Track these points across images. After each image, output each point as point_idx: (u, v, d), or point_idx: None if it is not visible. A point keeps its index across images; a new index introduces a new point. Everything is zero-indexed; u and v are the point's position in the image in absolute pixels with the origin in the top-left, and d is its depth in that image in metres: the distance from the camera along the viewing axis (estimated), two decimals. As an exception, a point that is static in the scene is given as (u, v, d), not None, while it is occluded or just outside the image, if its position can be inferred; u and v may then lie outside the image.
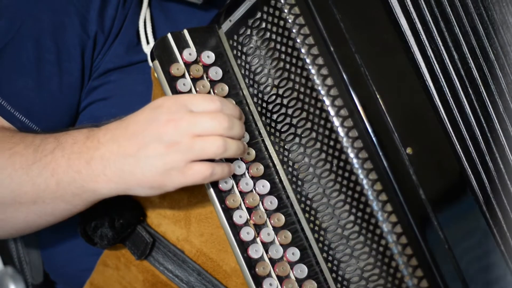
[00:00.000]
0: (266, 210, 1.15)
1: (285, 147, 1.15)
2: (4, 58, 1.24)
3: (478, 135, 1.16)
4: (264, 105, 1.16)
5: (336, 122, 1.10)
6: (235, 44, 1.18)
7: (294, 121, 1.14)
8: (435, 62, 1.15)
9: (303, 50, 1.12)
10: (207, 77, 1.17)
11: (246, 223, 1.14)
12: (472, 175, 1.13)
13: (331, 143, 1.11)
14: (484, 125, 1.17)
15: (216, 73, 1.17)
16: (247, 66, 1.17)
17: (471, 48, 1.18)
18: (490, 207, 1.14)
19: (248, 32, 1.16)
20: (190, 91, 1.15)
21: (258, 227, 1.14)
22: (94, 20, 1.26)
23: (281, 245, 1.14)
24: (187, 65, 1.16)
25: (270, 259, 1.13)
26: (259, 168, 1.16)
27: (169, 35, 1.17)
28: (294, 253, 1.14)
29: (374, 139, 1.09)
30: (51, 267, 1.39)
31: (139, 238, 1.21)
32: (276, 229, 1.15)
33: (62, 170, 1.12)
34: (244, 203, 1.14)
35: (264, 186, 1.15)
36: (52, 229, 1.28)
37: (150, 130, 1.08)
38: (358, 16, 1.13)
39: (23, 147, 1.15)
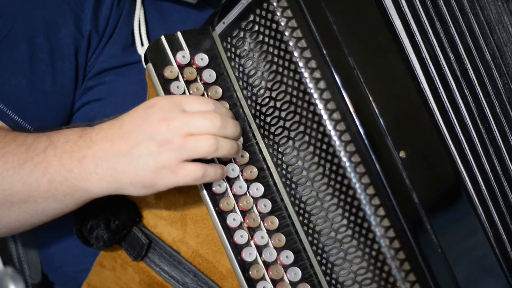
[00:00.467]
0: (260, 213, 1.15)
1: (279, 150, 1.14)
2: None
3: (474, 137, 1.15)
4: (258, 107, 1.15)
5: (329, 125, 1.10)
6: (228, 46, 1.17)
7: (287, 124, 1.13)
8: (430, 64, 1.14)
9: (295, 53, 1.11)
10: (200, 80, 1.17)
11: (240, 226, 1.14)
12: (467, 178, 1.13)
13: (324, 146, 1.10)
14: (481, 126, 1.16)
15: (209, 75, 1.17)
16: (241, 69, 1.16)
17: (467, 48, 1.16)
18: (486, 210, 1.13)
19: (242, 34, 1.15)
20: (183, 94, 1.15)
21: (252, 230, 1.14)
22: (88, 19, 1.26)
23: (275, 248, 1.14)
24: (181, 67, 1.16)
25: (264, 262, 1.13)
26: (253, 171, 1.15)
27: (163, 38, 1.16)
28: (288, 256, 1.14)
29: (366, 142, 1.09)
30: (49, 267, 1.40)
31: (135, 240, 1.21)
32: (270, 232, 1.14)
33: (53, 169, 1.12)
34: (238, 206, 1.14)
35: (258, 189, 1.15)
36: (50, 229, 1.29)
37: (143, 129, 1.08)
38: (351, 18, 1.12)
39: (15, 146, 1.15)
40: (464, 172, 1.13)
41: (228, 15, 1.16)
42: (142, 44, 1.28)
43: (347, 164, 1.09)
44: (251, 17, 1.14)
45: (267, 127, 1.15)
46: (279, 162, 1.15)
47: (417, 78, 1.12)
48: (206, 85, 1.16)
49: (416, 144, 1.10)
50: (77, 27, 1.25)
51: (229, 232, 1.13)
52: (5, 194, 1.15)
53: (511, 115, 1.18)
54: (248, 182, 1.15)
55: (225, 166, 1.13)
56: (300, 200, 1.13)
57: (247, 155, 1.16)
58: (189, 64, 1.17)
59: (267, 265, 1.13)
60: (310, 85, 1.10)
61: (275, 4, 1.11)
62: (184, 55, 1.16)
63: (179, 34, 1.17)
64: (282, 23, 1.11)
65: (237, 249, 1.13)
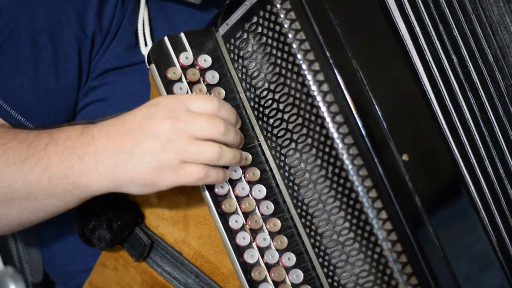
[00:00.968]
0: (262, 215, 1.15)
1: (282, 152, 1.14)
2: (0, 56, 1.24)
3: (477, 140, 1.15)
4: (261, 109, 1.15)
5: (332, 128, 1.10)
6: (232, 47, 1.17)
7: (290, 126, 1.13)
8: (434, 66, 1.13)
9: (299, 56, 1.11)
10: (203, 81, 1.16)
11: (242, 228, 1.14)
12: (470, 182, 1.13)
13: (327, 149, 1.10)
14: (484, 129, 1.16)
15: (213, 77, 1.17)
16: (244, 70, 1.16)
17: (470, 50, 1.16)
18: (489, 214, 1.13)
19: (245, 36, 1.15)
20: (187, 94, 1.15)
21: (254, 232, 1.14)
22: (92, 19, 1.25)
23: (277, 250, 1.14)
24: (184, 69, 1.16)
25: (266, 264, 1.13)
26: (255, 173, 1.15)
27: (166, 39, 1.16)
28: (290, 258, 1.14)
29: (369, 145, 1.08)
30: (50, 266, 1.40)
31: (137, 240, 1.21)
32: (272, 234, 1.14)
33: (54, 166, 1.12)
34: (240, 208, 1.14)
35: (260, 191, 1.15)
36: (52, 228, 1.29)
37: (146, 127, 1.08)
38: (355, 21, 1.12)
39: (16, 143, 1.15)
40: (467, 176, 1.12)
41: (232, 17, 1.16)
42: (146, 45, 1.28)
43: (350, 167, 1.09)
44: (255, 19, 1.14)
45: (270, 129, 1.15)
46: (282, 164, 1.15)
47: (420, 81, 1.12)
48: (209, 86, 1.16)
49: (419, 147, 1.10)
50: (81, 27, 1.25)
51: (231, 234, 1.13)
52: (6, 191, 1.15)
53: (513, 117, 1.18)
54: (251, 183, 1.15)
55: (227, 169, 1.13)
56: (302, 202, 1.13)
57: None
58: (192, 65, 1.16)
59: (269, 267, 1.13)
60: (313, 87, 1.10)
61: (278, 6, 1.11)
62: (187, 56, 1.16)
63: (182, 35, 1.17)
64: (286, 25, 1.11)
65: (239, 251, 1.13)
